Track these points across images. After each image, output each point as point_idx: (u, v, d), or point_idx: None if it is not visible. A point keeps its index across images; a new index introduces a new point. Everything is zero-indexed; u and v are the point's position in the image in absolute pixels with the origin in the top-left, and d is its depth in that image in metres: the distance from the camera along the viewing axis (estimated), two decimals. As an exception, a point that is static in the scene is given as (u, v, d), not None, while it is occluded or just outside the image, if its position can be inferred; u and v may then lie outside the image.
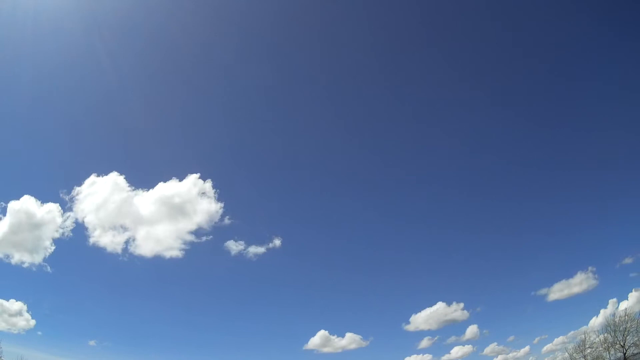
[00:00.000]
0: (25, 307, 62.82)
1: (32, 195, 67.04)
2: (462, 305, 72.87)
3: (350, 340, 72.29)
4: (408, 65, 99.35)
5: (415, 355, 71.50)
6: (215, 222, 76.92)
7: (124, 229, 71.59)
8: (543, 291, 72.68)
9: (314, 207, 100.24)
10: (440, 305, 73.66)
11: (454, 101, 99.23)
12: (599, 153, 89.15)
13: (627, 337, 48.07)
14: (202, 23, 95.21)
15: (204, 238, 76.58)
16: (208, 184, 76.29)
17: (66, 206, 70.72)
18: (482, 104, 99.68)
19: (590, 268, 72.48)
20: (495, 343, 71.68)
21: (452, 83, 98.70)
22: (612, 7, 79.48)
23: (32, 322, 63.14)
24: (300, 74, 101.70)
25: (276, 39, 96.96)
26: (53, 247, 68.01)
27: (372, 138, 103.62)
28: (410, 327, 74.83)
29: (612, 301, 60.14)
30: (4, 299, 62.65)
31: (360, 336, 72.62)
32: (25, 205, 66.20)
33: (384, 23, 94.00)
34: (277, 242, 79.74)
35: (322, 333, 71.94)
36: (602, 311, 58.15)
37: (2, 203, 66.45)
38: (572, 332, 64.16)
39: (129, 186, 72.74)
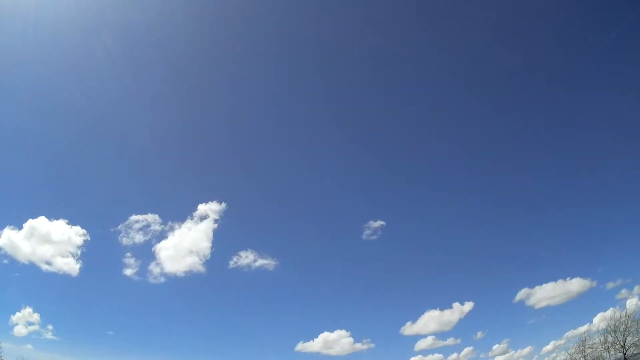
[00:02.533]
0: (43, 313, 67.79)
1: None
2: (462, 307, 72.97)
3: (350, 343, 72.37)
4: (408, 68, 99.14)
5: (420, 356, 71.37)
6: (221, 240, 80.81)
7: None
8: (542, 292, 72.33)
9: (314, 214, 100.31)
10: (439, 309, 73.62)
11: (451, 102, 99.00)
12: (600, 154, 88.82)
13: (627, 338, 48.07)
14: (207, 27, 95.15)
15: (212, 257, 79.23)
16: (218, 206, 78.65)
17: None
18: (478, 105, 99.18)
19: (591, 268, 72.30)
20: (497, 344, 71.58)
21: (453, 84, 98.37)
22: (612, 7, 79.07)
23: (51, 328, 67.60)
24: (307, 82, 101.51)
25: (280, 43, 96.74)
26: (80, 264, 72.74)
27: (371, 142, 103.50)
28: (409, 331, 74.74)
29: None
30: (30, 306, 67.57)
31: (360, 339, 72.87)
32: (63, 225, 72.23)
33: (384, 25, 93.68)
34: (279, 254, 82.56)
35: (321, 335, 72.34)
36: (601, 312, 57.88)
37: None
38: (571, 331, 64.12)
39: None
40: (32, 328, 65.78)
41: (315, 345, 71.70)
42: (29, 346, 64.34)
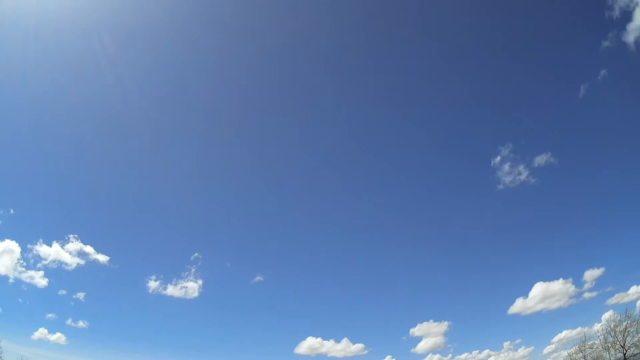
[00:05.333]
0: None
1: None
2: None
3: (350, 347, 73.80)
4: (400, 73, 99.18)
5: (430, 355, 72.04)
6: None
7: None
8: (544, 293, 72.70)
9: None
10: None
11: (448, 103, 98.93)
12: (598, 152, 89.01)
13: (627, 338, 48.37)
14: (218, 32, 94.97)
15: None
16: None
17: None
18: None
19: (593, 268, 72.74)
20: (498, 344, 72.14)
21: (445, 92, 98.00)
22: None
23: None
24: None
25: (282, 43, 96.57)
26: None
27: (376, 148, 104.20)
28: (411, 336, 76.36)
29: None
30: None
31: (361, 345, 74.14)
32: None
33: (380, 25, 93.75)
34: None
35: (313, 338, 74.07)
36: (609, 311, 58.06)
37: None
38: (571, 332, 64.52)
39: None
40: (50, 335, 69.55)
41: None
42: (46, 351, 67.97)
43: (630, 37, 68.63)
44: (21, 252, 72.06)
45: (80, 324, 73.17)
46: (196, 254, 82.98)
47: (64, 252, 75.00)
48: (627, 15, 69.46)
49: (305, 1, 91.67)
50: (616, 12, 69.57)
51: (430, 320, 75.58)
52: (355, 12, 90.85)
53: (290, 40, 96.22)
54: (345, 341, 74.12)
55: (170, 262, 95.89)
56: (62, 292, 75.68)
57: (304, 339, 75.11)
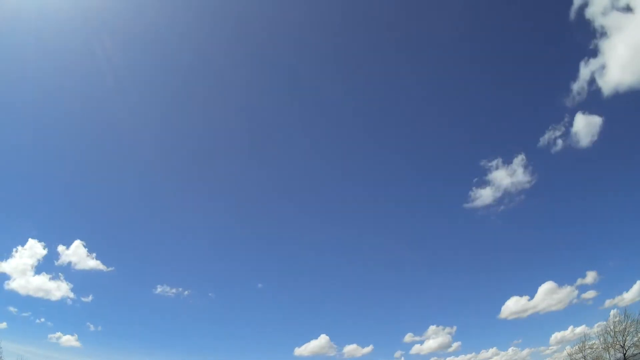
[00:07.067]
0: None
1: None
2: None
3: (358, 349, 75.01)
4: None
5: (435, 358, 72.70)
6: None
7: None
8: (544, 293, 72.82)
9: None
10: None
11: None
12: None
13: (627, 338, 48.33)
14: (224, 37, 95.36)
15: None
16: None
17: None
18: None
19: (592, 268, 72.76)
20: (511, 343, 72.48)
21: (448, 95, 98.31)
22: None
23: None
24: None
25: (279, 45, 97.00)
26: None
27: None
28: (412, 339, 76.88)
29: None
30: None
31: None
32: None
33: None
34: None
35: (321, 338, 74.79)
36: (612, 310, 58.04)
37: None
38: (572, 332, 64.54)
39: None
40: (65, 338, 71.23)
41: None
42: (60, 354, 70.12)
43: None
44: (44, 255, 73.74)
45: (96, 327, 74.89)
46: (203, 259, 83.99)
47: (82, 257, 76.43)
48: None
49: (308, 2, 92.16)
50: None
51: (436, 323, 76.53)
52: (353, 14, 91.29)
53: (290, 42, 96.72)
54: (354, 344, 75.72)
55: (178, 268, 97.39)
56: (79, 296, 76.74)
57: (306, 341, 76.08)
